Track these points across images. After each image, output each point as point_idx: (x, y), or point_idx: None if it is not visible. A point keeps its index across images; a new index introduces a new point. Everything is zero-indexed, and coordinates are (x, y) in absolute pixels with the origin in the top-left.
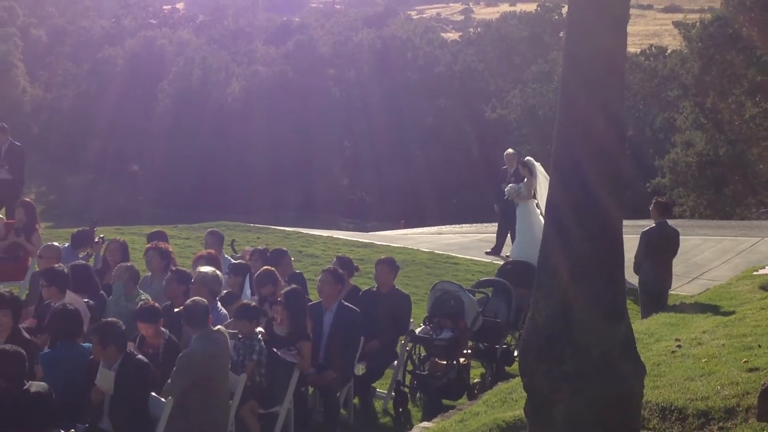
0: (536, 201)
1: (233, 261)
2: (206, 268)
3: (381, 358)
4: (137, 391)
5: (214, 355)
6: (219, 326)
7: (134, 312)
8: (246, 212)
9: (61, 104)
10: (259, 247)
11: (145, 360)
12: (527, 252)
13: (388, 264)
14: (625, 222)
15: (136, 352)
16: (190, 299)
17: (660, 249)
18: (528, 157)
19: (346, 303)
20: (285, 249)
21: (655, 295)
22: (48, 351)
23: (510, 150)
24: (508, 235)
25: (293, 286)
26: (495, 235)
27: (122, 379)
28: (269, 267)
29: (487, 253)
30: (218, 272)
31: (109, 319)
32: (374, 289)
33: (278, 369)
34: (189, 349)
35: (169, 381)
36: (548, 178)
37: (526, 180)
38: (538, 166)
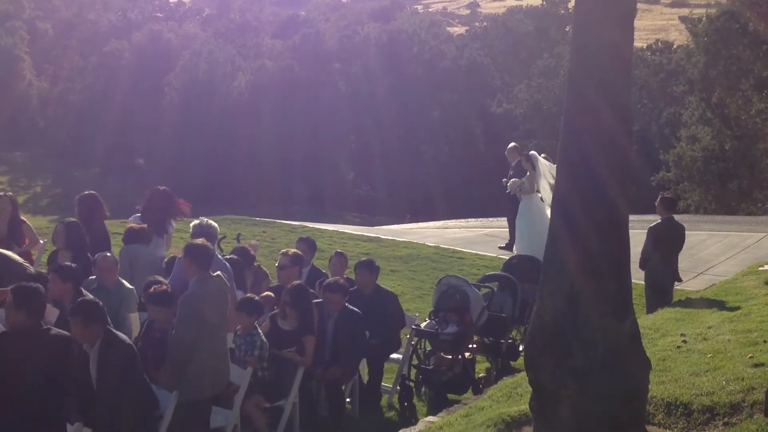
0: (540, 195)
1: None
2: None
3: (377, 356)
4: (122, 373)
5: (211, 295)
6: (218, 272)
7: (145, 297)
8: (254, 206)
9: (67, 98)
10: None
11: (129, 341)
12: (530, 246)
13: (368, 267)
14: (630, 217)
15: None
16: (199, 240)
17: (667, 244)
18: (532, 151)
19: (349, 306)
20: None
21: (662, 290)
22: None
23: (511, 144)
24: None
25: (298, 282)
26: (504, 229)
27: (105, 359)
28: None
29: (500, 248)
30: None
31: (87, 297)
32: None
33: (284, 363)
34: (187, 291)
35: (174, 332)
36: (554, 170)
37: (528, 174)
38: (542, 160)
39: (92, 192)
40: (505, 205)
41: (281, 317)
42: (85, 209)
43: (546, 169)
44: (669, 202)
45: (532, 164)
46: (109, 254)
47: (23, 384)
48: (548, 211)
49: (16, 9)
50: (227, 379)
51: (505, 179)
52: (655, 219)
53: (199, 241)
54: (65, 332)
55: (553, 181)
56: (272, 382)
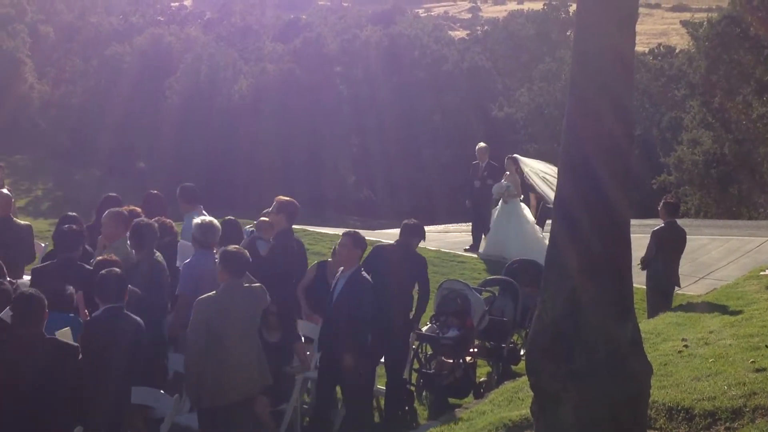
0: (522, 196)
1: None
2: None
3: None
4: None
5: (229, 304)
6: (258, 284)
7: None
8: (255, 209)
9: (69, 101)
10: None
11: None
12: (525, 250)
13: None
14: (631, 221)
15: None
16: (233, 246)
17: (670, 248)
18: (515, 154)
19: (363, 273)
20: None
21: (664, 294)
22: None
23: (482, 144)
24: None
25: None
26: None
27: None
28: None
29: (466, 250)
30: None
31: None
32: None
33: (283, 370)
34: (204, 295)
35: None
36: (545, 168)
37: (509, 174)
38: (525, 159)
39: (115, 195)
40: (472, 206)
41: (266, 329)
42: (103, 208)
43: (530, 168)
44: (672, 207)
45: (516, 166)
46: (120, 210)
47: (19, 391)
48: (529, 214)
49: (18, 12)
50: (237, 394)
51: (477, 181)
52: (655, 223)
53: (234, 247)
54: (68, 342)
55: (540, 180)
56: (272, 386)
